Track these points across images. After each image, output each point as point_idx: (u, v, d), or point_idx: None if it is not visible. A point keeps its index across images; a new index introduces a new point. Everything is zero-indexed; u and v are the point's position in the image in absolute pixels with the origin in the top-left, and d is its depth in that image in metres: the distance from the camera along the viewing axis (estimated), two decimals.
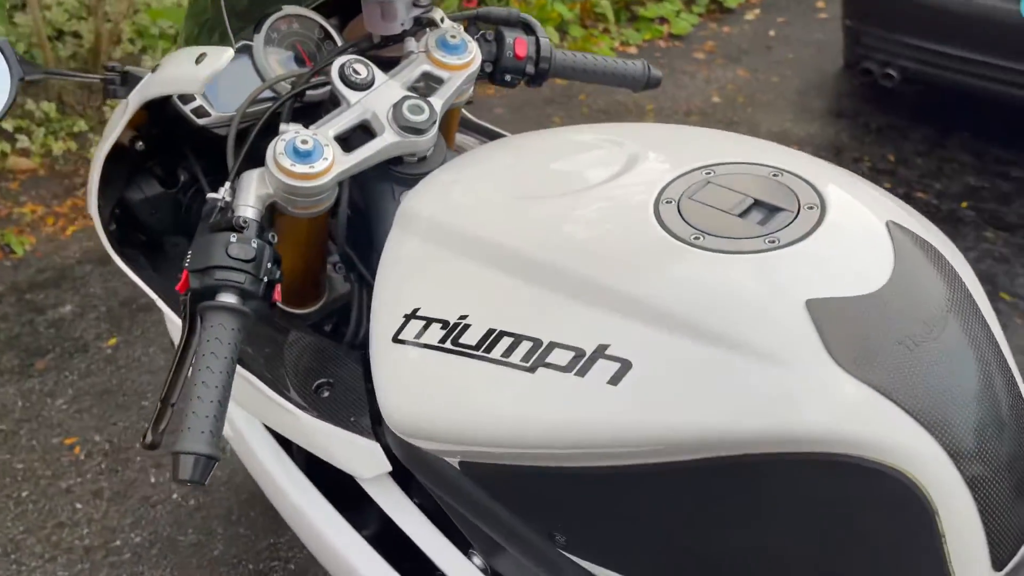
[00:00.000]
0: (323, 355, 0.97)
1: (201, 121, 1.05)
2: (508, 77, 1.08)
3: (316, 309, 1.09)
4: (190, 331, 0.86)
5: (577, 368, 0.63)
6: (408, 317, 0.75)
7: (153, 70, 0.97)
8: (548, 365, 0.64)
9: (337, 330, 1.08)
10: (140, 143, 1.11)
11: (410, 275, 0.80)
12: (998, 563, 0.61)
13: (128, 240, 1.14)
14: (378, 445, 0.87)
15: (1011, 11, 2.95)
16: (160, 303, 1.10)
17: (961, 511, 0.58)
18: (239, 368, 0.94)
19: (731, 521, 0.62)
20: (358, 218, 1.00)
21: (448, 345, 0.71)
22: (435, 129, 0.94)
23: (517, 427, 0.66)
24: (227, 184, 0.91)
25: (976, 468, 0.58)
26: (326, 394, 0.93)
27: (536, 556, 0.81)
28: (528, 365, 0.65)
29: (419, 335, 0.73)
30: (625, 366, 0.61)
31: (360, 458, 0.88)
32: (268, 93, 1.03)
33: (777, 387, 0.57)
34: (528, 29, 1.09)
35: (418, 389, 0.74)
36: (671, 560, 0.68)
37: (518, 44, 1.07)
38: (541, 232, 0.73)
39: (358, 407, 0.90)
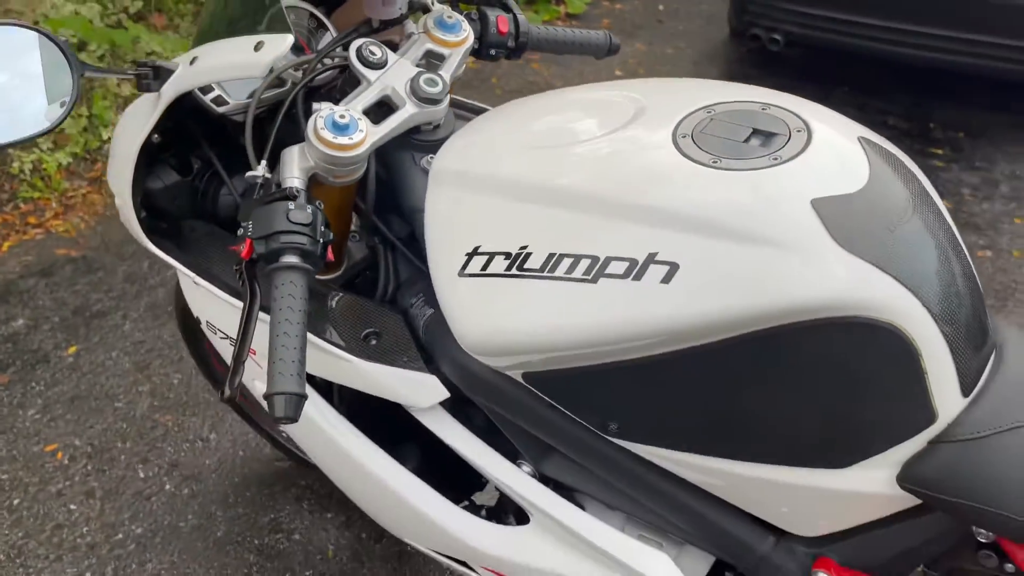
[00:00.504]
0: (363, 310, 1.08)
1: (220, 109, 1.14)
2: (492, 51, 1.21)
3: (339, 275, 1.19)
4: (252, 294, 0.96)
5: (633, 274, 0.77)
6: (470, 255, 0.88)
7: (191, 62, 1.06)
8: (608, 275, 0.79)
9: (360, 292, 1.19)
10: (156, 135, 1.18)
11: (460, 220, 0.93)
12: (966, 390, 0.79)
13: (151, 227, 1.21)
14: (435, 377, 1.00)
15: None
16: (199, 280, 1.18)
17: (937, 353, 0.76)
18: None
19: (760, 386, 0.79)
20: (381, 186, 1.11)
21: (515, 271, 0.84)
22: (448, 99, 1.07)
23: (587, 330, 0.80)
24: (262, 163, 1.00)
25: (945, 321, 0.76)
26: (374, 342, 1.04)
27: (586, 450, 0.96)
28: (591, 278, 0.79)
29: (485, 267, 0.87)
30: (673, 268, 0.76)
31: (419, 391, 1.01)
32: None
33: (796, 268, 0.73)
34: (505, 8, 1.23)
35: (492, 312, 0.87)
36: (708, 427, 0.84)
37: (500, 21, 1.20)
38: (578, 169, 0.87)
39: (407, 349, 1.02)
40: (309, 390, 1.17)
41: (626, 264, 0.78)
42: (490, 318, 0.87)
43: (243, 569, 1.76)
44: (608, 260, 0.79)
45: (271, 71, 1.16)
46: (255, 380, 1.21)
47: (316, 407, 1.15)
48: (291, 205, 0.93)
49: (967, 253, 0.84)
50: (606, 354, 0.83)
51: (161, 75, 1.08)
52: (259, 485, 1.94)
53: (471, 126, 1.07)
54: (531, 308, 0.84)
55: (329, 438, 1.15)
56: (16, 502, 1.89)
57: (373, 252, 1.17)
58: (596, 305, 0.80)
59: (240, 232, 0.97)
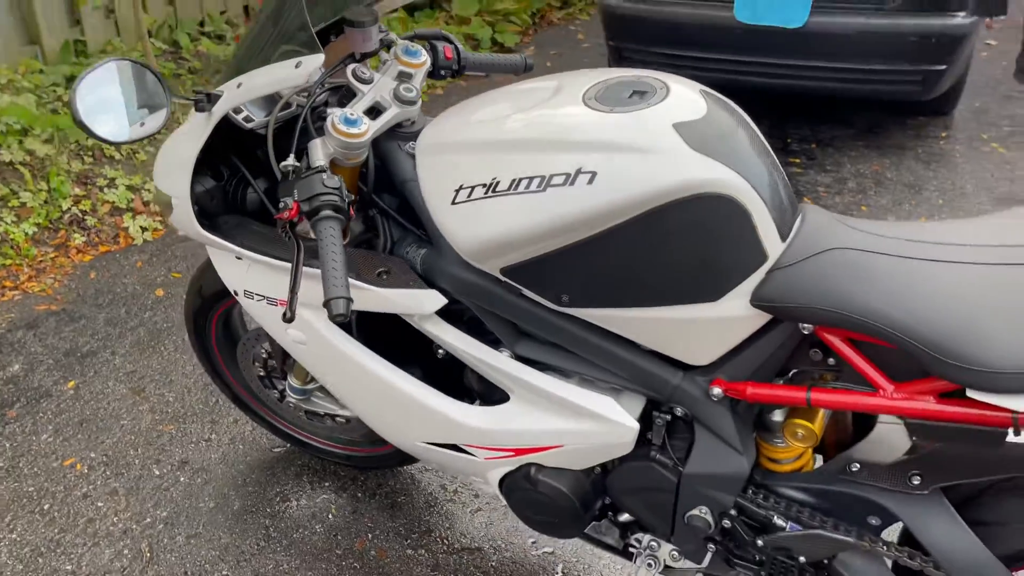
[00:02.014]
0: (374, 257, 1.47)
1: (248, 125, 1.53)
2: (443, 72, 1.65)
3: (347, 241, 1.58)
4: (298, 246, 1.34)
5: (569, 182, 1.20)
6: (457, 191, 1.29)
7: (238, 87, 1.44)
8: (553, 186, 1.20)
9: None
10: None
11: (445, 172, 1.33)
12: (783, 236, 1.24)
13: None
14: (435, 291, 1.39)
15: (728, 16, 3.90)
16: (246, 252, 1.53)
17: (761, 213, 1.20)
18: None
19: (654, 249, 1.20)
20: (377, 171, 1.51)
21: (490, 194, 1.25)
22: (420, 102, 1.49)
23: (543, 224, 1.21)
24: (291, 157, 1.40)
25: (763, 192, 1.21)
26: (386, 276, 1.43)
27: (547, 326, 1.37)
28: (542, 189, 1.21)
29: (469, 196, 1.27)
30: (594, 175, 1.19)
31: (424, 302, 1.39)
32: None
33: (668, 164, 1.17)
34: (448, 40, 1.67)
35: (478, 224, 1.27)
36: (624, 285, 1.25)
37: (446, 50, 1.64)
38: (523, 125, 1.29)
39: (411, 278, 1.42)
40: (335, 330, 1.55)
41: (563, 177, 1.21)
42: (478, 228, 1.28)
43: (261, 531, 2.07)
44: (551, 176, 1.22)
45: (281, 93, 1.56)
46: (289, 330, 1.57)
47: (340, 339, 1.53)
48: (324, 176, 1.32)
49: (775, 158, 1.30)
50: (557, 241, 1.24)
51: (212, 99, 1.46)
52: (262, 468, 2.26)
53: (442, 115, 1.49)
54: (505, 215, 1.25)
55: (352, 360, 1.52)
56: (47, 507, 2.15)
57: (372, 221, 1.56)
58: (548, 206, 1.22)
59: (281, 205, 1.36)
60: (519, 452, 1.51)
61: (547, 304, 1.35)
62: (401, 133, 1.50)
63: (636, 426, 1.39)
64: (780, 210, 1.25)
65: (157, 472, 2.24)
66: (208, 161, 1.59)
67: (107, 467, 2.26)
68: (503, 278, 1.34)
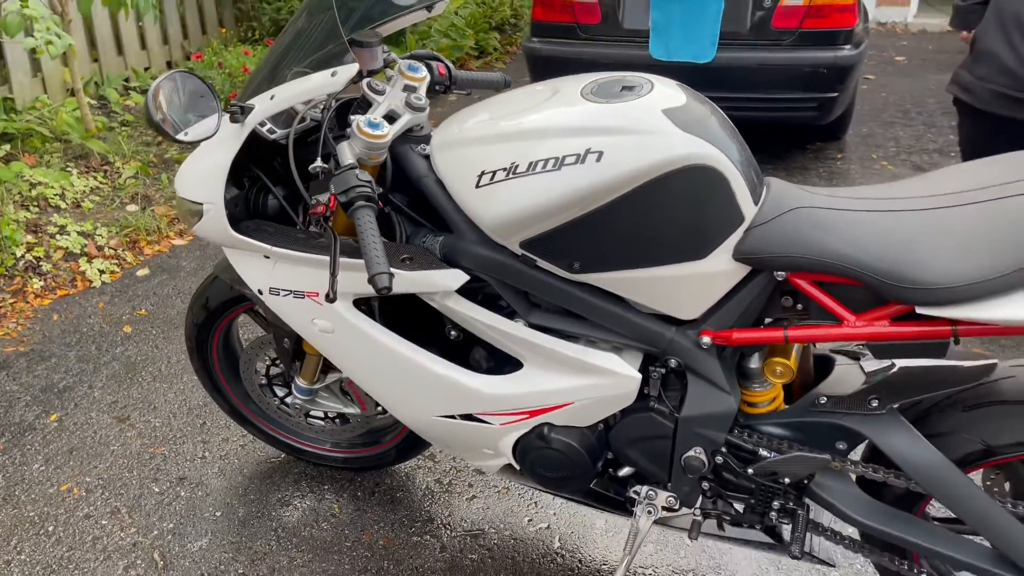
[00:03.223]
0: (396, 247, 1.64)
1: (272, 136, 1.69)
2: (437, 87, 1.86)
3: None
4: (334, 235, 1.51)
5: (580, 161, 1.42)
6: (479, 176, 1.49)
7: (271, 98, 1.61)
8: (566, 164, 1.42)
9: None
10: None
11: (465, 163, 1.53)
12: (756, 200, 1.49)
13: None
14: (457, 270, 1.58)
15: (643, 55, 4.27)
16: (275, 249, 1.68)
17: (737, 180, 1.45)
18: (354, 261, 1.60)
19: (650, 215, 1.43)
20: (393, 172, 1.69)
21: (510, 176, 1.46)
22: (428, 109, 1.69)
23: (559, 198, 1.42)
24: (319, 160, 1.57)
25: (737, 164, 1.46)
26: (410, 262, 1.61)
27: (558, 293, 1.57)
28: (557, 168, 1.43)
29: (492, 179, 1.48)
30: (600, 154, 1.41)
31: (448, 280, 1.57)
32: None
33: (661, 142, 1.41)
34: (440, 60, 1.89)
35: (501, 203, 1.47)
36: (627, 249, 1.46)
37: (439, 68, 1.86)
38: (532, 115, 1.51)
39: (434, 261, 1.60)
40: (359, 315, 1.71)
41: (575, 157, 1.43)
42: (501, 207, 1.48)
43: (270, 532, 2.16)
44: (564, 157, 1.44)
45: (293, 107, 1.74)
46: (316, 320, 1.72)
47: (366, 324, 1.69)
48: (357, 171, 1.50)
49: (743, 139, 1.57)
50: (570, 213, 1.45)
51: (246, 111, 1.62)
52: (260, 478, 2.35)
53: (448, 120, 1.69)
54: (525, 193, 1.46)
55: (377, 342, 1.69)
56: (51, 528, 2.18)
57: (388, 218, 1.73)
58: (563, 182, 1.43)
59: (314, 202, 1.54)
60: (533, 413, 1.69)
61: (559, 273, 1.56)
62: (412, 137, 1.69)
63: (638, 376, 1.60)
64: (751, 179, 1.51)
65: (156, 489, 2.30)
66: (231, 172, 1.74)
67: (105, 489, 2.31)
68: (521, 251, 1.54)
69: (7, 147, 4.27)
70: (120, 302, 3.25)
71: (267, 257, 1.73)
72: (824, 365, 1.70)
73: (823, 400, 1.59)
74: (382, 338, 1.69)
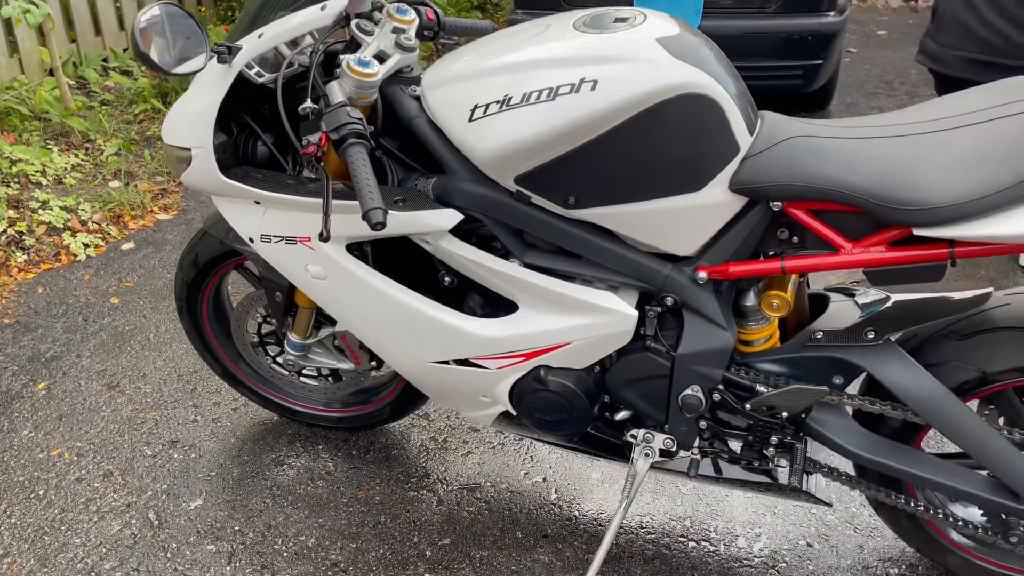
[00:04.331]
0: (389, 190, 1.62)
1: (260, 80, 1.67)
2: (426, 32, 1.84)
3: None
4: (327, 175, 1.49)
5: (575, 90, 1.40)
6: (472, 110, 1.48)
7: (259, 37, 1.58)
8: (561, 95, 1.41)
9: None
10: None
11: (457, 98, 1.51)
12: (751, 131, 1.49)
13: None
14: (451, 209, 1.56)
15: None
16: (266, 193, 1.65)
17: (732, 110, 1.44)
18: (346, 204, 1.58)
19: (647, 145, 1.42)
20: (383, 115, 1.67)
21: (504, 108, 1.44)
22: (417, 50, 1.67)
23: (555, 127, 1.41)
24: (308, 101, 1.56)
25: (732, 94, 1.45)
26: (403, 204, 1.59)
27: (553, 230, 1.56)
28: (552, 98, 1.41)
29: (485, 112, 1.46)
30: (595, 83, 1.40)
31: (442, 219, 1.55)
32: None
33: (657, 69, 1.39)
34: (428, 5, 1.87)
35: (496, 135, 1.45)
36: (622, 181, 1.45)
37: (428, 13, 1.84)
38: (526, 49, 1.50)
39: (427, 201, 1.58)
40: (353, 259, 1.69)
41: (569, 86, 1.42)
42: (495, 139, 1.47)
43: (264, 491, 2.15)
44: (559, 87, 1.42)
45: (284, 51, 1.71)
46: (309, 266, 1.70)
47: (360, 268, 1.67)
48: (348, 109, 1.48)
49: (736, 71, 1.56)
50: (565, 145, 1.44)
51: (233, 52, 1.60)
52: (253, 440, 2.33)
53: (440, 60, 1.68)
54: (520, 125, 1.44)
55: (372, 287, 1.67)
56: (41, 492, 2.15)
57: (379, 162, 1.71)
58: (557, 112, 1.42)
59: (305, 143, 1.52)
60: (529, 356, 1.68)
61: (554, 209, 1.55)
62: (403, 79, 1.67)
63: (635, 313, 1.59)
64: (746, 110, 1.50)
65: (149, 452, 2.28)
66: (218, 118, 1.72)
67: (96, 453, 2.28)
68: (515, 188, 1.53)
69: None
70: (106, 275, 3.21)
71: (258, 203, 1.71)
72: (819, 304, 1.70)
73: (819, 335, 1.60)
74: (376, 282, 1.68)
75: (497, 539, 2.00)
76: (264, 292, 2.01)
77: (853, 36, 6.75)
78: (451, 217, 1.58)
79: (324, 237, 1.44)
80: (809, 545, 1.97)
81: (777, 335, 1.69)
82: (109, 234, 3.51)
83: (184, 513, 2.08)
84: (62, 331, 2.84)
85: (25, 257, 3.28)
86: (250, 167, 1.76)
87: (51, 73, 4.75)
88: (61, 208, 3.57)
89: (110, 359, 2.68)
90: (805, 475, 1.77)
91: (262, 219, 1.72)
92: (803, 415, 1.63)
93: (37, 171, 3.85)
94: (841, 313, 1.64)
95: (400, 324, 1.72)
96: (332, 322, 2.05)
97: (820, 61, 4.39)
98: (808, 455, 1.70)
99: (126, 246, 3.43)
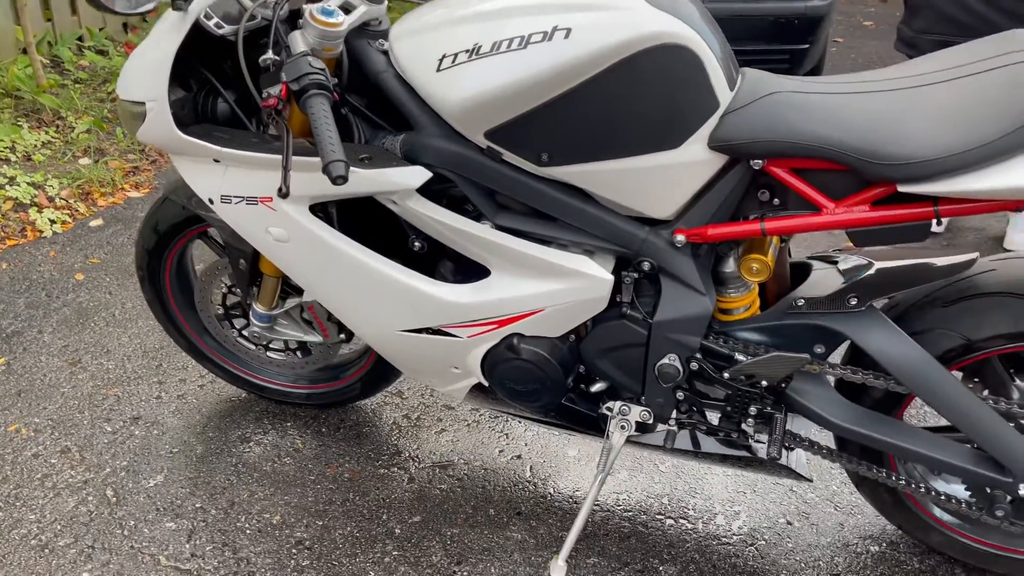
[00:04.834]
0: (354, 148, 1.55)
1: (220, 31, 1.59)
2: None
3: None
4: (287, 128, 1.42)
5: (547, 39, 1.34)
6: (440, 59, 1.41)
7: None
8: (532, 43, 1.34)
9: None
10: None
11: (424, 48, 1.44)
12: (731, 87, 1.42)
13: None
14: (419, 167, 1.49)
15: None
16: (225, 150, 1.58)
17: (713, 64, 1.37)
18: (308, 160, 1.51)
19: (622, 99, 1.35)
20: (349, 70, 1.60)
21: (474, 57, 1.38)
22: (386, 2, 1.60)
23: (526, 77, 1.34)
24: (270, 51, 1.48)
25: (713, 48, 1.39)
26: (368, 160, 1.52)
27: (526, 190, 1.50)
28: (523, 47, 1.35)
29: (454, 61, 1.39)
30: (568, 31, 1.33)
31: (410, 177, 1.48)
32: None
33: (636, 18, 1.32)
34: None
35: (465, 86, 1.38)
36: (597, 137, 1.38)
37: None
38: (494, 1, 1.43)
39: (393, 158, 1.51)
40: (316, 221, 1.62)
41: (541, 35, 1.35)
42: (464, 90, 1.40)
43: (229, 468, 2.07)
44: (530, 35, 1.35)
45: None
46: (271, 228, 1.63)
47: (325, 231, 1.60)
48: (310, 59, 1.41)
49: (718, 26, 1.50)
50: (537, 97, 1.37)
51: None
52: (219, 417, 2.26)
53: (409, 13, 1.61)
54: (489, 74, 1.38)
55: (336, 250, 1.60)
56: None
57: (345, 120, 1.64)
58: (529, 61, 1.35)
59: (265, 95, 1.45)
60: (502, 323, 1.62)
61: (527, 168, 1.48)
62: (370, 32, 1.60)
63: (610, 278, 1.53)
64: (726, 65, 1.44)
65: (109, 429, 2.20)
66: (177, 73, 1.64)
67: (54, 429, 2.20)
68: (487, 143, 1.46)
69: None
70: (72, 251, 3.12)
71: (217, 161, 1.63)
72: (801, 273, 1.65)
73: (800, 303, 1.54)
74: (340, 245, 1.61)
75: (469, 516, 1.94)
76: (228, 260, 1.94)
77: (839, 27, 6.72)
78: (419, 175, 1.51)
79: (283, 193, 1.37)
80: (789, 523, 1.92)
81: (757, 304, 1.64)
82: (77, 211, 3.41)
83: (143, 490, 2.00)
84: (24, 307, 2.75)
85: None
86: (210, 125, 1.68)
87: (25, 52, 4.64)
88: (28, 184, 3.47)
89: (72, 335, 2.60)
90: (785, 450, 1.71)
91: (222, 179, 1.64)
92: (783, 385, 1.57)
93: (6, 147, 3.75)
94: (823, 281, 1.59)
95: (366, 290, 1.65)
96: (299, 292, 1.98)
97: (807, 45, 4.33)
98: (788, 429, 1.65)
99: (94, 223, 3.34)
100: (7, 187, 3.42)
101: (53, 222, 3.30)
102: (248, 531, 1.89)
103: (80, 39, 5.46)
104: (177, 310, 2.15)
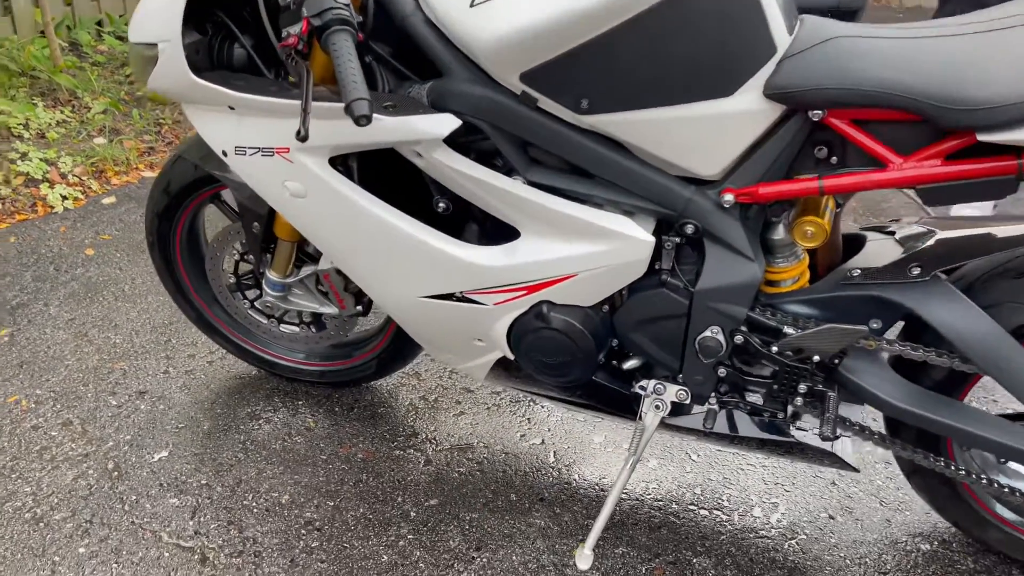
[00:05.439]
0: (378, 95, 1.45)
1: None
2: None
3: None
4: (307, 68, 1.32)
5: None
6: None
7: None
8: None
9: None
10: None
11: None
12: (790, 31, 1.31)
13: None
14: (448, 114, 1.38)
15: None
16: (243, 96, 1.47)
17: (770, 3, 1.25)
18: (329, 106, 1.40)
19: (672, 39, 1.24)
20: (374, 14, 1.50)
21: None
22: None
23: (564, 15, 1.23)
24: None
25: None
26: (393, 108, 1.41)
27: (564, 142, 1.38)
28: None
29: None
30: None
31: (438, 125, 1.37)
32: None
33: None
34: None
35: (500, 22, 1.27)
36: (642, 83, 1.28)
37: None
38: None
39: (420, 106, 1.40)
40: (336, 174, 1.51)
41: None
42: (499, 26, 1.29)
43: (237, 445, 1.97)
44: None
45: None
46: (287, 182, 1.52)
47: (344, 185, 1.49)
48: None
49: None
50: (578, 35, 1.26)
51: None
52: (228, 393, 2.15)
53: None
54: (528, 10, 1.27)
55: (356, 206, 1.49)
56: None
57: (369, 69, 1.54)
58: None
59: (284, 34, 1.34)
60: (531, 289, 1.50)
61: (564, 116, 1.37)
62: None
63: (652, 240, 1.41)
64: (785, 8, 1.33)
65: (114, 402, 2.10)
66: (192, 16, 1.54)
67: (56, 401, 2.10)
68: (522, 87, 1.35)
69: None
70: (83, 227, 3.03)
71: (232, 109, 1.53)
72: (854, 246, 1.53)
73: (856, 272, 1.42)
74: (360, 200, 1.50)
75: (489, 501, 1.82)
76: (241, 224, 1.84)
77: (872, 19, 6.60)
78: (447, 123, 1.40)
79: (302, 136, 1.27)
80: (831, 517, 1.79)
81: (807, 277, 1.52)
82: (90, 188, 3.33)
83: (147, 465, 1.90)
84: (31, 279, 2.66)
85: (0, 207, 3.10)
86: (226, 72, 1.58)
87: (43, 34, 4.59)
88: (41, 160, 3.39)
89: (80, 308, 2.50)
90: (830, 438, 1.59)
91: (237, 128, 1.54)
92: (836, 361, 1.45)
93: (19, 123, 3.68)
94: (880, 251, 1.47)
95: (387, 250, 1.54)
96: (315, 260, 1.88)
97: None
98: (840, 413, 1.53)
99: (107, 200, 3.26)
100: (18, 162, 3.35)
101: (65, 198, 3.22)
102: (255, 510, 1.78)
103: (99, 24, 5.41)
104: (187, 279, 2.05)
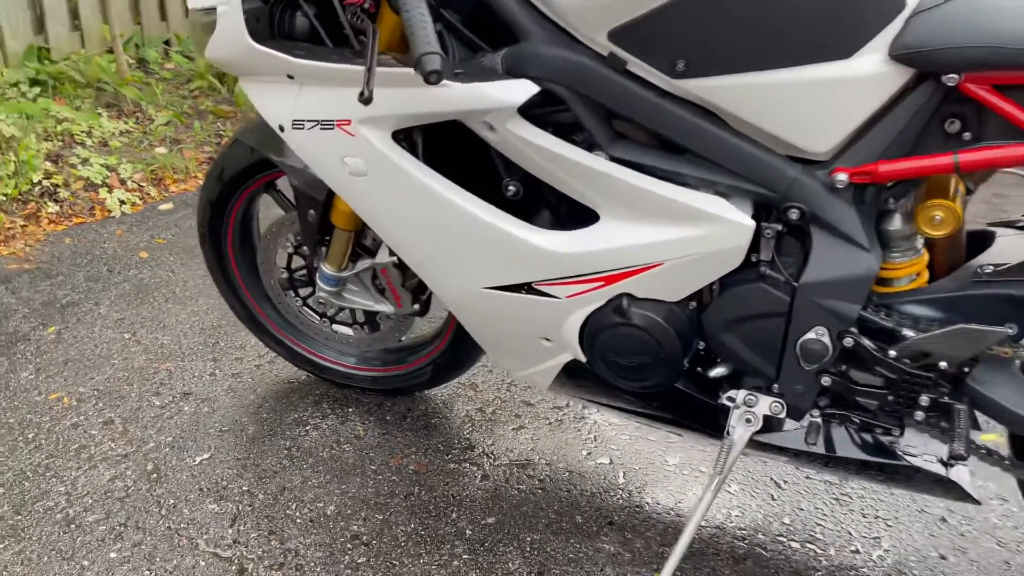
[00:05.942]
0: (446, 63, 1.32)
1: None
2: None
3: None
4: (373, 28, 1.21)
5: None
6: None
7: None
8: None
9: None
10: None
11: None
12: None
13: None
14: (524, 80, 1.25)
15: None
16: (307, 62, 1.37)
17: None
18: (396, 72, 1.28)
19: None
20: None
21: None
22: None
23: None
24: None
25: None
26: (465, 74, 1.29)
27: (653, 111, 1.24)
28: None
29: None
30: None
31: (512, 91, 1.24)
32: None
33: None
34: None
35: None
36: (746, 42, 1.11)
37: None
38: None
39: (492, 72, 1.28)
40: (399, 150, 1.39)
41: None
42: None
43: (282, 452, 1.84)
44: None
45: None
46: (347, 158, 1.40)
47: (408, 161, 1.37)
48: None
49: None
50: None
51: None
52: (276, 398, 2.03)
53: None
54: None
55: (417, 183, 1.36)
56: (31, 435, 1.88)
57: (440, 37, 1.42)
58: None
59: None
60: (610, 280, 1.35)
61: (657, 81, 1.22)
62: None
63: (752, 224, 1.25)
64: None
65: (158, 403, 1.99)
66: None
67: (99, 400, 2.00)
68: (609, 47, 1.21)
69: (37, 90, 4.08)
70: (139, 231, 2.98)
71: (291, 78, 1.42)
72: (979, 244, 1.34)
73: (988, 269, 1.23)
74: (425, 179, 1.37)
75: (552, 522, 1.65)
76: (296, 213, 1.72)
77: None
78: (523, 89, 1.26)
79: (365, 98, 1.16)
80: (943, 557, 1.57)
81: (926, 275, 1.33)
82: (148, 194, 3.29)
83: (187, 468, 1.77)
84: (83, 279, 2.59)
85: (57, 209, 3.07)
86: (287, 41, 1.48)
87: (111, 51, 4.65)
88: (102, 165, 3.37)
89: (130, 309, 2.42)
90: (945, 464, 1.39)
91: (295, 100, 1.43)
92: (965, 369, 1.25)
93: (83, 131, 3.68)
94: (1013, 247, 1.28)
95: (451, 234, 1.40)
96: (371, 254, 1.75)
97: None
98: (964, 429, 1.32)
99: (164, 207, 3.21)
100: (79, 167, 3.33)
101: (123, 203, 3.18)
102: (299, 520, 1.64)
103: (167, 43, 5.48)
104: (238, 273, 1.95)
